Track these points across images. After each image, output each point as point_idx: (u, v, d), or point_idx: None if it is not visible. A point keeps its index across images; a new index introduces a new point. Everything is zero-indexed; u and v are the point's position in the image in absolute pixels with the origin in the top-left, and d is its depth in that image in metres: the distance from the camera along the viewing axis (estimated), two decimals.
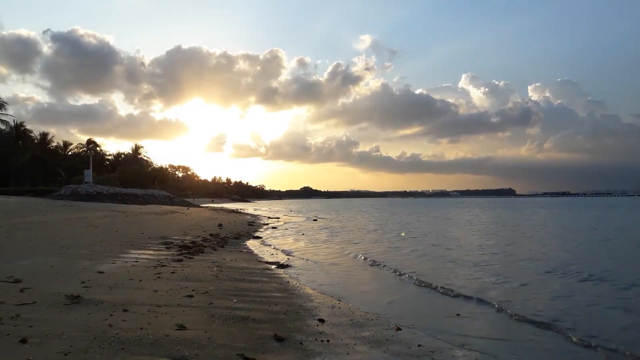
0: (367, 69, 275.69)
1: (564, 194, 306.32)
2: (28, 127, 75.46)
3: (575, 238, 25.07)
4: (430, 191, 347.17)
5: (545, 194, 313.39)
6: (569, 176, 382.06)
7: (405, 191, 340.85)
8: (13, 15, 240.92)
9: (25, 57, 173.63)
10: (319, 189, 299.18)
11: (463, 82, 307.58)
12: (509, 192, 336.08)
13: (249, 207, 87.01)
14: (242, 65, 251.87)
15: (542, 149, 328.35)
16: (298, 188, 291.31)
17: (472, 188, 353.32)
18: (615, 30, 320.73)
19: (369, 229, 32.73)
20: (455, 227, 34.48)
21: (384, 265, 14.70)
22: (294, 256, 16.91)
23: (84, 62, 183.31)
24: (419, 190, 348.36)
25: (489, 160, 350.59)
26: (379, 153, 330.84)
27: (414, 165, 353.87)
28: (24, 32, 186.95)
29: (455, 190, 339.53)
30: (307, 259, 16.23)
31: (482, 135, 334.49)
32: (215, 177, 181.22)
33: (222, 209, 61.87)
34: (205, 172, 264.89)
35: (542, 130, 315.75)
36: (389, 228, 33.08)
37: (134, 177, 71.09)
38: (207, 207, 69.78)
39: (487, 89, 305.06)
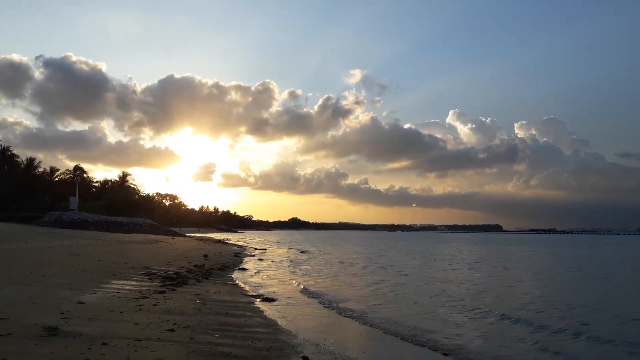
0: (357, 102, 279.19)
1: (550, 230, 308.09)
2: (15, 151, 74.72)
3: (546, 278, 25.17)
4: (418, 225, 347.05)
5: (531, 231, 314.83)
6: (555, 213, 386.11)
7: (394, 224, 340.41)
8: (6, 40, 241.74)
9: (16, 82, 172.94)
10: (307, 220, 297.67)
11: (450, 118, 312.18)
12: (496, 228, 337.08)
13: (235, 238, 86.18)
14: (233, 95, 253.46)
15: (528, 185, 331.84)
16: (286, 219, 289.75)
17: (459, 223, 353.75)
18: (599, 71, 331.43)
19: (356, 263, 32.53)
20: (440, 263, 34.45)
21: (364, 312, 14.58)
22: (279, 290, 16.72)
23: (75, 88, 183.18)
24: (407, 224, 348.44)
25: (476, 196, 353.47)
26: (367, 185, 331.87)
27: (402, 198, 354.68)
28: (16, 57, 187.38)
29: (443, 225, 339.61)
30: (292, 293, 16.06)
31: (470, 170, 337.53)
32: (202, 206, 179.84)
33: (208, 239, 61.22)
34: (193, 201, 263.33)
35: (528, 167, 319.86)
36: (375, 263, 32.93)
37: (120, 205, 70.25)
38: (193, 236, 69.01)
39: (474, 126, 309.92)
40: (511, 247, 67.61)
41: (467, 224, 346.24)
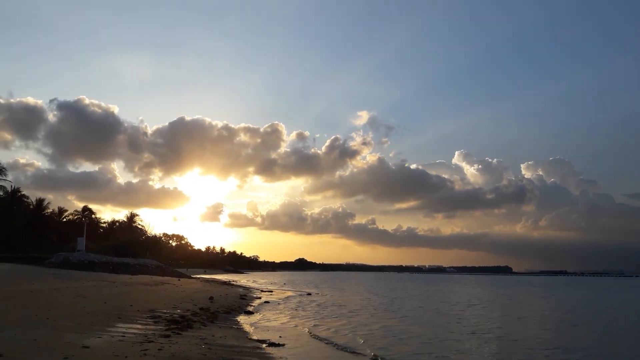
0: (364, 143, 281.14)
1: (561, 272, 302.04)
2: (26, 192, 75.64)
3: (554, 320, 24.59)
4: (427, 266, 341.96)
5: (542, 273, 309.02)
6: (565, 254, 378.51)
7: (402, 265, 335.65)
8: (23, 84, 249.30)
9: (30, 124, 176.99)
10: (314, 261, 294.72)
11: (456, 159, 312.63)
12: (506, 270, 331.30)
13: (241, 279, 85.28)
14: (242, 137, 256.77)
15: (537, 226, 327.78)
16: (293, 259, 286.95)
17: (468, 264, 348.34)
18: (605, 112, 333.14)
19: (364, 305, 32.01)
20: (451, 307, 33.82)
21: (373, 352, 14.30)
22: (286, 334, 16.44)
23: (87, 130, 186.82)
24: (415, 265, 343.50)
25: (485, 237, 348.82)
26: (375, 226, 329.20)
27: (410, 239, 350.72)
28: (31, 100, 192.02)
29: (452, 267, 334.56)
30: (299, 337, 15.78)
31: (478, 211, 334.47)
32: (209, 247, 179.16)
33: (214, 281, 60.63)
34: (200, 241, 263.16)
35: (537, 207, 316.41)
36: (383, 305, 32.39)
37: (127, 246, 70.21)
38: (199, 278, 68.40)
39: (480, 166, 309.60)
40: (524, 290, 66.26)
41: (476, 266, 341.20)
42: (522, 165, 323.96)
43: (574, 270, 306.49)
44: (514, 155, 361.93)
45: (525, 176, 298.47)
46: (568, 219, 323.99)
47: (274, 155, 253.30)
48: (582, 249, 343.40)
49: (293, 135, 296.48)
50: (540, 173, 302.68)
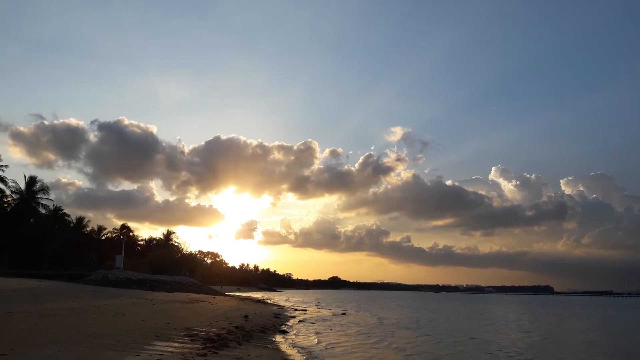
0: (398, 159, 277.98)
1: (606, 292, 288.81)
2: (67, 211, 78.20)
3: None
4: (464, 286, 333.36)
5: (586, 292, 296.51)
6: (610, 274, 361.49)
7: (438, 285, 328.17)
8: (66, 106, 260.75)
9: (72, 145, 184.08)
10: (347, 279, 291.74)
11: (493, 175, 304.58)
12: (547, 290, 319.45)
13: (275, 297, 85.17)
14: (276, 155, 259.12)
15: (580, 244, 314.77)
16: (326, 277, 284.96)
17: (507, 284, 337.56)
18: None
19: (402, 326, 31.25)
20: (499, 327, 32.64)
21: None
22: (320, 354, 16.11)
23: (127, 150, 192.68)
24: (453, 285, 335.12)
25: (525, 255, 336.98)
26: (410, 244, 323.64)
27: (446, 257, 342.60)
28: (73, 121, 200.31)
29: (490, 286, 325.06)
30: (335, 358, 15.42)
31: (517, 228, 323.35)
32: (243, 264, 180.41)
33: (248, 299, 60.72)
34: (234, 258, 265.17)
35: (579, 225, 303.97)
36: (424, 327, 31.54)
37: (163, 263, 71.37)
38: (233, 295, 68.68)
39: (518, 182, 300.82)
40: (567, 310, 63.56)
41: (516, 285, 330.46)
42: (561, 181, 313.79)
43: (621, 290, 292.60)
44: (552, 171, 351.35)
45: (566, 192, 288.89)
46: (612, 237, 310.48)
47: (307, 173, 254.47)
48: (628, 268, 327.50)
49: (326, 152, 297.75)
50: (581, 189, 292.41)
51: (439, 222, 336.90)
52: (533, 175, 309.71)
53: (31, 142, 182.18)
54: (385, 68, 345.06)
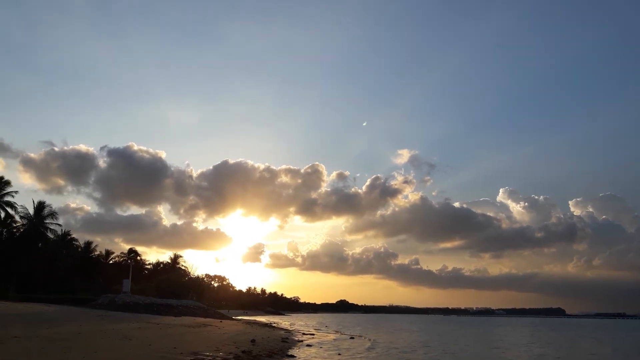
0: (405, 182, 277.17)
1: (618, 315, 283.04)
2: (75, 235, 78.57)
3: None
4: (474, 308, 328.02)
5: (598, 315, 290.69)
6: (623, 296, 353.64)
7: (448, 308, 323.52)
8: (76, 132, 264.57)
9: (82, 171, 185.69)
10: (355, 303, 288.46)
11: (501, 196, 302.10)
12: (559, 312, 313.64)
13: (283, 321, 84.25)
14: (284, 178, 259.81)
15: (591, 265, 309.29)
16: (334, 301, 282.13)
17: (518, 306, 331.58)
18: None
19: (413, 351, 30.75)
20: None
21: None
22: None
23: (136, 175, 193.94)
24: (462, 307, 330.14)
25: (535, 277, 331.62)
26: (418, 266, 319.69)
27: (456, 280, 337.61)
28: (83, 147, 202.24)
29: (501, 309, 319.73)
30: None
31: (527, 250, 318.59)
32: (250, 288, 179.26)
33: (255, 322, 60.14)
34: (241, 281, 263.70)
35: (589, 246, 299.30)
36: (437, 353, 31.02)
37: (170, 287, 71.16)
38: (240, 319, 68.06)
39: (526, 204, 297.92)
40: (580, 333, 62.31)
41: (527, 308, 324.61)
42: (570, 202, 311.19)
43: (634, 312, 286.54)
44: (560, 192, 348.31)
45: (575, 213, 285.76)
46: (624, 258, 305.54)
47: (314, 195, 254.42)
48: None
49: (333, 175, 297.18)
50: (591, 210, 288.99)
51: (448, 245, 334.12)
52: (541, 197, 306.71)
53: (41, 168, 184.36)
54: (391, 91, 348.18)
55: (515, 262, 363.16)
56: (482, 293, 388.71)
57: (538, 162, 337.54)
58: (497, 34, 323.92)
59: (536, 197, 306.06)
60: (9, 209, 59.82)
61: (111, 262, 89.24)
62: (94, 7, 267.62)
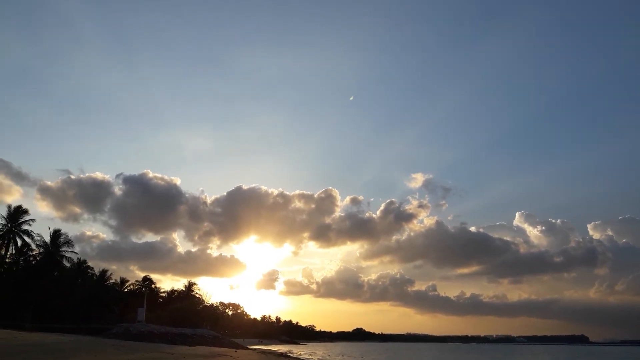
0: (420, 206, 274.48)
1: None
2: (90, 263, 78.56)
3: None
4: (494, 336, 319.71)
5: (623, 343, 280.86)
6: None
7: (467, 336, 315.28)
8: (92, 160, 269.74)
9: (97, 198, 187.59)
10: (372, 331, 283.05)
11: (517, 220, 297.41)
12: (582, 339, 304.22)
13: (299, 350, 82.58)
14: (297, 203, 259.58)
15: (613, 291, 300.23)
16: (350, 329, 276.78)
17: (539, 333, 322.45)
18: None
19: None
20: None
21: None
22: None
23: (151, 203, 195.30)
24: (482, 335, 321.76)
25: (555, 303, 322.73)
26: (436, 292, 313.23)
27: (474, 306, 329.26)
28: (99, 175, 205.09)
29: (522, 336, 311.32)
30: None
31: (546, 275, 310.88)
32: (264, 316, 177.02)
33: (270, 352, 58.89)
34: (256, 309, 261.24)
35: (611, 270, 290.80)
36: None
37: (185, 316, 70.44)
38: (255, 349, 66.78)
39: (543, 227, 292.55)
40: None
41: (549, 335, 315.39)
42: (588, 226, 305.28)
43: None
44: (577, 215, 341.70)
45: (594, 237, 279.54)
46: None
47: (328, 221, 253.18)
48: None
49: (347, 200, 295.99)
50: (610, 233, 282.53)
51: (465, 270, 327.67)
52: (559, 220, 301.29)
53: (58, 196, 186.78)
54: (404, 114, 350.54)
55: (534, 288, 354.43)
56: (502, 320, 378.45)
57: (554, 185, 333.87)
58: (511, 57, 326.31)
59: (553, 221, 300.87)
60: (25, 237, 60.33)
61: (126, 290, 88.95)
62: (107, 36, 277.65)
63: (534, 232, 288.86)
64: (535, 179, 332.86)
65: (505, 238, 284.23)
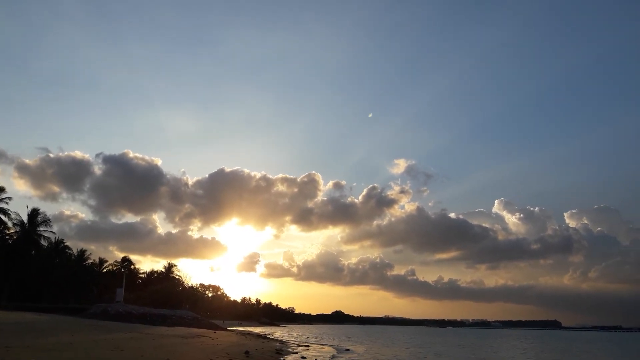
0: (402, 192, 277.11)
1: (616, 328, 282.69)
2: (69, 243, 77.72)
3: None
4: (470, 320, 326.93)
5: (595, 328, 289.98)
6: (619, 308, 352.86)
7: (444, 320, 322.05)
8: (71, 138, 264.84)
9: (77, 178, 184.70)
10: (351, 314, 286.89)
11: (497, 208, 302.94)
12: (555, 324, 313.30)
13: (277, 332, 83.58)
14: (280, 187, 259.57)
15: (586, 278, 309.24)
16: (329, 311, 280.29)
17: (514, 318, 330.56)
18: None
19: None
20: None
21: None
22: None
23: (131, 183, 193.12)
24: (458, 319, 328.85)
25: (531, 289, 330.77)
26: (414, 277, 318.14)
27: (452, 291, 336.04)
28: (78, 154, 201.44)
29: (497, 321, 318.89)
30: None
31: (523, 262, 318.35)
32: (244, 298, 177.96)
33: (249, 333, 59.61)
34: (236, 291, 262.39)
35: (585, 258, 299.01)
36: None
37: (164, 297, 70.56)
38: (235, 330, 67.44)
39: (522, 215, 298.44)
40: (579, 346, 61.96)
41: (523, 320, 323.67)
42: (565, 214, 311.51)
43: (630, 325, 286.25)
44: (555, 204, 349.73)
45: (570, 225, 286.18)
46: (620, 271, 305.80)
47: (310, 205, 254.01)
48: (637, 303, 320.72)
49: (330, 184, 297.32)
50: (586, 222, 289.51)
51: (444, 255, 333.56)
52: (537, 208, 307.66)
53: (36, 175, 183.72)
54: (388, 100, 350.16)
55: (511, 274, 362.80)
56: (478, 305, 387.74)
57: (533, 174, 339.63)
58: (494, 47, 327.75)
59: (531, 209, 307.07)
60: (2, 216, 59.38)
61: (105, 270, 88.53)
62: (90, 12, 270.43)
63: (512, 220, 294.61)
64: (515, 168, 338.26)
65: (484, 225, 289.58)
